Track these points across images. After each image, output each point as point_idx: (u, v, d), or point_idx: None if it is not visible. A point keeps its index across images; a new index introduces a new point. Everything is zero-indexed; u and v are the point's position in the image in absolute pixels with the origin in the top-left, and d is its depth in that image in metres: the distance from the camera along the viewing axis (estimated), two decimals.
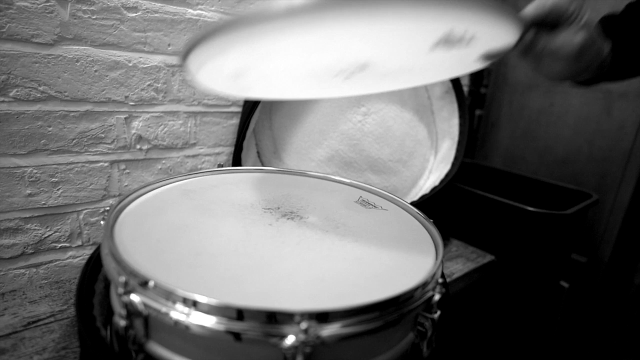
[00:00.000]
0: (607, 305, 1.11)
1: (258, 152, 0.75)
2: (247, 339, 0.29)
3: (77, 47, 0.57)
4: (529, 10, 0.40)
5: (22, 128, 0.55)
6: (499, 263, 0.83)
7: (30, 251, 0.60)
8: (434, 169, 0.88)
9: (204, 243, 0.39)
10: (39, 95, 0.56)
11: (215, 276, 0.34)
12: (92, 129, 0.61)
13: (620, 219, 1.04)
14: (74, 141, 0.60)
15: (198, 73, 0.38)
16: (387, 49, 0.37)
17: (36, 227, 0.60)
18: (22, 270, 0.60)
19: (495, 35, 0.37)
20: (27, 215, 0.59)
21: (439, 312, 0.36)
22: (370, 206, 0.54)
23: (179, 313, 0.30)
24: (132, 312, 0.31)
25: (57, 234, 0.62)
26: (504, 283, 0.85)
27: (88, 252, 0.66)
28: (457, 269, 0.76)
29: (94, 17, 0.57)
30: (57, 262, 0.63)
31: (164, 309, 0.30)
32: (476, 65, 0.44)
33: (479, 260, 0.81)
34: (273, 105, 0.75)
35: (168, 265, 0.35)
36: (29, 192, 0.58)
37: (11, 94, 0.54)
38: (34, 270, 0.61)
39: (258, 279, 0.35)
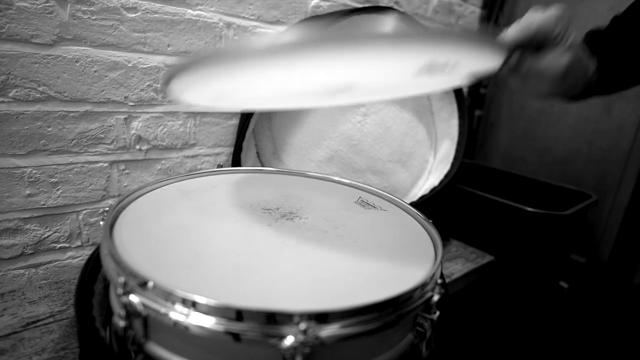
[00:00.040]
0: (607, 306, 1.11)
1: (257, 153, 0.75)
2: (246, 340, 0.29)
3: (76, 47, 0.57)
4: (514, 33, 0.40)
5: (22, 128, 0.55)
6: (498, 263, 0.83)
7: (30, 251, 0.60)
8: (433, 170, 0.88)
9: (204, 244, 0.39)
10: (38, 95, 0.56)
11: (215, 277, 0.34)
12: (91, 130, 0.61)
13: (620, 220, 1.04)
14: (74, 141, 0.60)
15: (181, 95, 0.39)
16: (371, 76, 0.38)
17: (35, 228, 0.60)
18: (22, 271, 0.60)
19: (478, 61, 0.38)
20: (27, 216, 0.59)
21: (438, 313, 0.36)
22: (370, 207, 0.54)
23: (178, 314, 0.30)
24: (131, 312, 0.31)
25: (57, 234, 0.62)
26: (503, 283, 0.85)
27: (87, 252, 0.66)
28: (457, 269, 0.76)
29: (94, 17, 0.57)
30: (57, 263, 0.63)
31: (163, 310, 0.30)
32: (463, 82, 0.45)
33: (479, 260, 0.81)
34: None
35: (167, 265, 0.35)
36: (29, 192, 0.58)
37: (10, 95, 0.54)
38: (34, 270, 0.61)
39: (257, 279, 0.35)
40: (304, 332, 0.28)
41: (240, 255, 0.38)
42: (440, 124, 0.88)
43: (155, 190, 0.51)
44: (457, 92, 0.83)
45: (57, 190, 0.60)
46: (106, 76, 0.60)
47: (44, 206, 0.59)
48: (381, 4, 0.92)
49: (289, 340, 0.28)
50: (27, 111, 0.55)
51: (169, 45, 0.65)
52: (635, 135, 1.01)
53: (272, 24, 0.76)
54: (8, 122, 0.54)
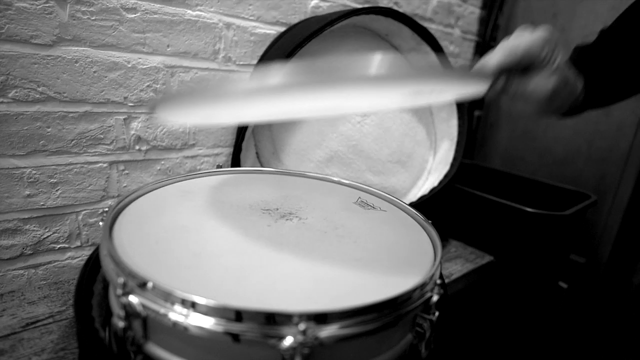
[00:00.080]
0: (606, 306, 1.12)
1: (257, 153, 0.75)
2: (245, 340, 0.29)
3: (76, 48, 0.57)
4: (500, 57, 0.40)
5: (21, 129, 0.55)
6: (497, 264, 0.84)
7: (29, 252, 0.60)
8: (432, 170, 0.88)
9: (203, 244, 0.39)
10: (37, 96, 0.56)
11: (214, 277, 0.34)
12: (91, 130, 0.61)
13: (619, 220, 1.05)
14: (73, 142, 0.60)
15: (166, 119, 0.39)
16: (356, 104, 0.38)
17: (35, 228, 0.60)
18: (21, 271, 0.60)
19: (463, 89, 0.38)
20: (26, 216, 0.59)
21: (437, 313, 0.36)
22: (369, 207, 0.54)
23: (177, 314, 0.30)
24: (130, 313, 0.31)
25: (56, 234, 0.62)
26: (502, 284, 0.85)
27: (87, 253, 0.66)
28: (456, 269, 0.76)
29: (93, 18, 0.57)
30: (56, 263, 0.63)
31: (162, 310, 0.30)
32: (453, 100, 0.46)
33: (478, 261, 0.81)
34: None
35: (167, 266, 0.35)
36: (28, 193, 0.58)
37: (10, 95, 0.54)
38: (33, 271, 0.61)
39: (256, 280, 0.35)
40: (303, 332, 0.28)
41: (240, 256, 0.38)
42: (440, 124, 0.88)
43: (155, 191, 0.51)
44: None
45: (57, 190, 0.60)
46: (106, 77, 0.60)
47: (43, 207, 0.59)
48: (380, 5, 0.92)
49: (288, 341, 0.28)
50: (26, 112, 0.55)
51: (168, 46, 0.65)
52: (635, 136, 1.01)
53: (272, 25, 0.76)
54: (7, 123, 0.54)
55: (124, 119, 0.64)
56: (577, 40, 0.47)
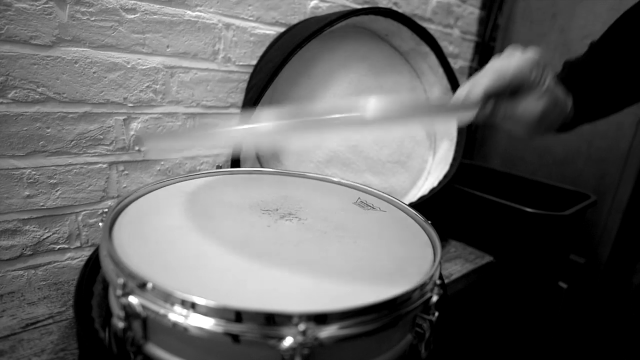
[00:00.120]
0: (606, 306, 1.12)
1: (257, 153, 0.76)
2: (245, 341, 0.29)
3: (75, 48, 0.57)
4: (489, 81, 0.39)
5: (21, 129, 0.55)
6: (497, 264, 0.84)
7: (29, 253, 0.60)
8: (432, 170, 0.88)
9: (203, 245, 0.39)
10: (37, 96, 0.56)
11: (214, 278, 0.34)
12: (90, 131, 0.61)
13: (619, 220, 1.05)
14: (73, 142, 0.60)
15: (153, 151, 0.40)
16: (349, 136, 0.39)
17: (35, 229, 0.60)
18: (21, 272, 0.60)
19: (452, 119, 0.38)
20: (26, 217, 0.58)
21: (437, 314, 0.36)
22: (369, 207, 0.54)
23: (177, 315, 0.30)
24: (130, 313, 0.31)
25: (56, 235, 0.62)
26: (502, 284, 0.85)
27: (87, 253, 0.66)
28: (456, 270, 0.76)
29: (93, 18, 0.57)
30: (56, 264, 0.63)
31: (162, 311, 0.30)
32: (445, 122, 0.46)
33: (478, 261, 0.81)
34: (272, 107, 0.75)
35: (166, 267, 0.35)
36: (28, 193, 0.58)
37: (10, 96, 0.54)
38: (33, 271, 0.61)
39: (256, 280, 0.35)
40: (303, 333, 0.28)
41: (240, 256, 0.38)
42: (440, 124, 0.88)
43: (155, 192, 0.51)
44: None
45: (56, 191, 0.60)
46: (105, 77, 0.60)
47: (43, 207, 0.59)
48: (380, 5, 0.92)
49: (288, 341, 0.28)
50: (26, 112, 0.55)
51: (168, 46, 0.65)
52: (634, 136, 1.01)
53: (271, 25, 0.76)
54: (7, 123, 0.54)
55: (124, 120, 0.64)
56: (577, 40, 0.47)
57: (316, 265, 0.38)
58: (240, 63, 0.74)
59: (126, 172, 0.66)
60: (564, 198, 0.94)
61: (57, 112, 0.58)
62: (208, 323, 0.29)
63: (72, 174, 0.61)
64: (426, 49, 0.80)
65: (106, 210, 0.42)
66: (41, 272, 0.62)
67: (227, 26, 0.71)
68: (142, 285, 0.31)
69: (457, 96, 0.41)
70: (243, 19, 0.72)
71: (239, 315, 0.29)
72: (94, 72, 0.59)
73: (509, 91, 0.40)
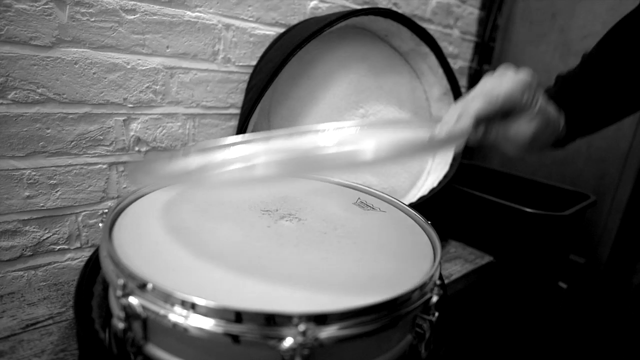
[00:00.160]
0: (606, 306, 1.12)
1: None
2: (245, 342, 0.29)
3: (75, 49, 0.57)
4: (481, 105, 0.39)
5: (21, 130, 0.55)
6: (497, 264, 0.84)
7: (29, 253, 0.60)
8: (432, 170, 0.88)
9: (203, 245, 0.39)
10: (37, 97, 0.56)
11: (214, 278, 0.34)
12: (90, 131, 0.61)
13: (619, 220, 1.05)
14: (73, 143, 0.60)
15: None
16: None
17: (34, 229, 0.60)
18: (21, 273, 0.60)
19: (444, 150, 0.37)
20: (26, 218, 0.58)
21: (437, 314, 0.36)
22: (369, 208, 0.54)
23: (177, 315, 0.30)
24: (130, 314, 0.31)
25: (56, 236, 0.62)
26: (502, 284, 0.85)
27: (87, 254, 0.66)
28: (456, 270, 0.76)
29: (93, 19, 0.57)
30: (56, 264, 0.63)
31: (162, 312, 0.30)
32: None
33: (477, 261, 0.81)
34: (271, 107, 0.75)
35: (166, 267, 0.35)
36: (28, 194, 0.58)
37: (9, 97, 0.54)
38: (33, 272, 0.61)
39: (256, 281, 0.35)
40: (303, 333, 0.28)
41: (239, 257, 0.38)
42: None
43: (155, 192, 0.51)
44: (456, 92, 0.83)
45: (56, 191, 0.60)
46: (105, 78, 0.60)
47: (43, 208, 0.59)
48: (379, 6, 0.92)
49: (288, 342, 0.28)
50: (26, 113, 0.55)
51: (167, 47, 0.65)
52: (634, 136, 1.01)
53: (271, 26, 0.76)
54: (7, 124, 0.54)
55: (124, 120, 0.64)
56: (577, 40, 0.46)
57: (316, 265, 0.38)
58: (240, 63, 0.74)
59: (126, 172, 0.66)
60: (563, 198, 0.94)
61: (57, 113, 0.58)
62: (208, 323, 0.29)
63: (72, 174, 0.61)
64: (426, 49, 0.80)
65: (106, 210, 0.42)
66: (41, 273, 0.62)
67: (227, 27, 0.71)
68: (142, 286, 0.31)
69: (447, 121, 0.40)
70: (243, 19, 0.72)
71: (239, 316, 0.29)
72: (93, 73, 0.59)
73: (501, 114, 0.40)
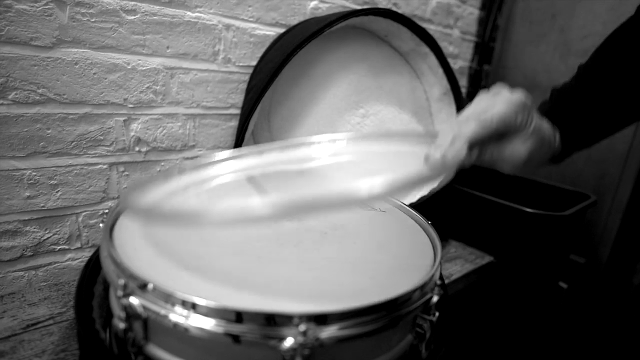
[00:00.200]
0: (606, 306, 1.12)
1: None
2: (246, 341, 0.29)
3: (75, 49, 0.57)
4: (474, 128, 0.38)
5: (21, 131, 0.55)
6: (497, 264, 0.84)
7: (29, 253, 0.60)
8: None
9: (203, 245, 0.39)
10: (37, 97, 0.56)
11: (214, 278, 0.34)
12: (90, 132, 0.61)
13: (619, 220, 1.05)
14: (73, 143, 0.60)
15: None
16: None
17: (35, 230, 0.60)
18: (21, 273, 0.60)
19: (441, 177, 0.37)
20: (26, 218, 0.59)
21: (437, 314, 0.36)
22: (369, 208, 0.54)
23: (178, 315, 0.30)
24: (131, 314, 0.31)
25: (56, 236, 0.62)
26: (502, 284, 0.85)
27: (87, 254, 0.66)
28: (456, 270, 0.76)
29: (93, 19, 0.57)
30: (56, 265, 0.63)
31: (163, 312, 0.30)
32: None
33: (478, 261, 0.81)
34: (272, 108, 0.75)
35: (167, 267, 0.35)
36: (28, 194, 0.58)
37: (10, 97, 0.54)
38: (33, 272, 0.61)
39: (257, 281, 0.35)
40: (304, 333, 0.28)
41: (240, 257, 0.38)
42: (439, 125, 0.88)
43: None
44: (456, 92, 0.83)
45: (57, 192, 0.60)
46: (105, 78, 0.61)
47: (43, 208, 0.59)
48: (379, 6, 0.92)
49: (288, 342, 0.28)
50: (26, 113, 0.55)
51: (168, 47, 0.65)
52: (634, 136, 1.01)
53: (271, 26, 0.76)
54: (7, 125, 0.54)
55: (124, 121, 0.64)
56: (577, 40, 0.46)
57: (316, 265, 0.38)
58: (241, 64, 0.74)
59: (126, 173, 0.66)
60: (564, 198, 0.94)
61: (58, 113, 0.58)
62: (209, 323, 0.29)
63: (73, 174, 0.61)
64: (426, 49, 0.80)
65: (107, 211, 0.42)
66: (42, 273, 0.62)
67: (227, 27, 0.71)
68: (143, 286, 0.31)
69: (441, 144, 0.39)
70: (243, 19, 0.72)
71: (239, 316, 0.29)
72: (94, 73, 0.59)
73: (495, 136, 0.40)
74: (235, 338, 0.29)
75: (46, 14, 0.54)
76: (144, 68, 0.64)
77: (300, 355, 0.28)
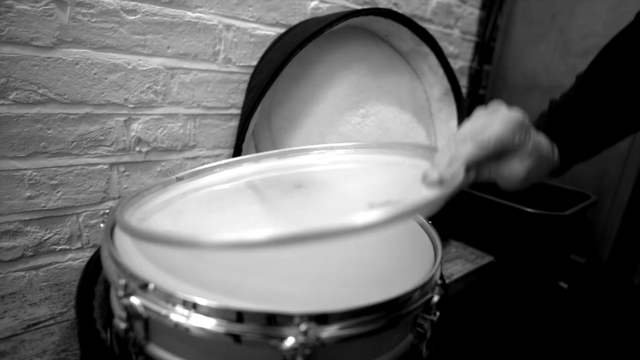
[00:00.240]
0: (606, 306, 1.12)
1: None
2: (246, 341, 0.29)
3: (76, 50, 0.57)
4: (472, 150, 0.38)
5: (22, 131, 0.55)
6: (498, 264, 0.84)
7: (30, 254, 0.60)
8: None
9: None
10: (38, 98, 0.56)
11: (215, 278, 0.34)
12: (91, 132, 0.61)
13: (619, 220, 1.05)
14: (74, 144, 0.60)
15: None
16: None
17: (36, 230, 0.60)
18: (22, 273, 0.60)
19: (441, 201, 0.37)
20: (27, 218, 0.59)
21: (438, 314, 0.36)
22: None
23: (179, 315, 0.30)
24: (132, 314, 0.31)
25: (57, 236, 0.62)
26: (503, 284, 0.85)
27: (88, 254, 0.66)
28: (456, 270, 0.76)
29: (94, 20, 0.57)
30: (57, 265, 0.63)
31: (164, 312, 0.30)
32: None
33: (478, 261, 0.81)
34: (272, 108, 0.75)
35: (168, 267, 0.35)
36: (29, 194, 0.58)
37: (11, 97, 0.54)
38: (34, 272, 0.61)
39: (257, 281, 0.35)
40: (305, 333, 0.28)
41: (241, 257, 0.38)
42: (440, 125, 0.88)
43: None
44: (457, 93, 0.83)
45: (57, 192, 0.60)
46: (106, 78, 0.61)
47: (44, 208, 0.60)
48: (380, 6, 0.92)
49: (289, 342, 0.28)
50: (27, 113, 0.55)
51: (168, 47, 0.65)
52: (634, 136, 1.01)
53: (272, 26, 0.76)
54: (8, 125, 0.54)
55: (124, 121, 0.64)
56: (577, 40, 0.45)
57: (317, 265, 0.38)
58: (241, 64, 0.74)
59: (127, 173, 0.66)
60: (564, 198, 0.94)
61: (58, 114, 0.58)
62: (209, 323, 0.29)
63: (73, 175, 0.61)
64: (426, 49, 0.80)
65: (107, 211, 0.42)
66: (42, 273, 0.62)
67: (228, 27, 0.71)
68: (144, 286, 0.31)
69: (438, 164, 0.39)
70: (243, 20, 0.72)
71: (240, 316, 0.29)
72: (94, 74, 0.59)
73: (493, 157, 0.39)
74: (236, 338, 0.29)
75: (47, 14, 0.54)
76: (145, 68, 0.64)
77: (301, 354, 0.28)
